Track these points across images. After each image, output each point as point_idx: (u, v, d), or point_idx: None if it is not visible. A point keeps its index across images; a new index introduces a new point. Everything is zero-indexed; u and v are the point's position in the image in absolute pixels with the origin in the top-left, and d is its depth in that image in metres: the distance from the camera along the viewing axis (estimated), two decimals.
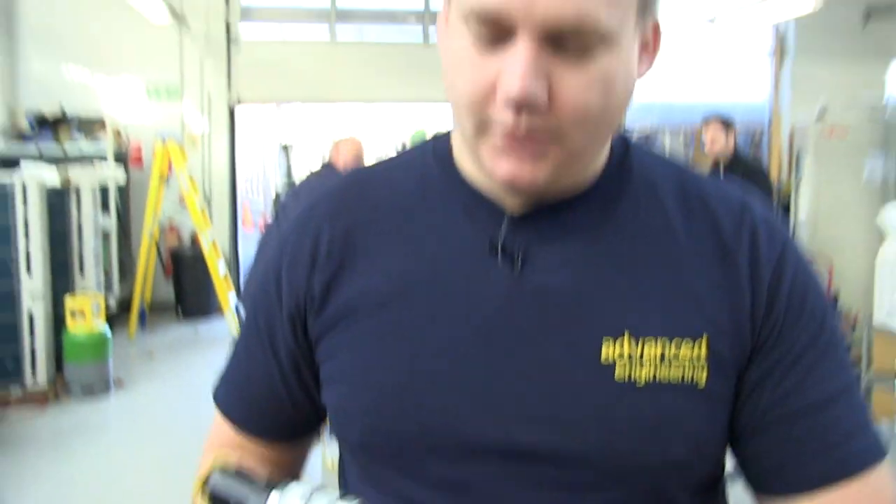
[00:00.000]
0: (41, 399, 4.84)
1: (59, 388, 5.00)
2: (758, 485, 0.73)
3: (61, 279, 5.26)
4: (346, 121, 9.22)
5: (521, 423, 0.68)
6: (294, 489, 0.63)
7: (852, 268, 5.04)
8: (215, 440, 0.88)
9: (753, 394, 0.70)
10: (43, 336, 4.87)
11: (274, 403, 0.82)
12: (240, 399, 0.85)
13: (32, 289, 4.80)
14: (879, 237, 4.00)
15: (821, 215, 5.30)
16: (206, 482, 0.66)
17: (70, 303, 5.00)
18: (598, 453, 0.68)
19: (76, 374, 4.98)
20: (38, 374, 4.88)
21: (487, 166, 0.68)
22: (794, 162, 5.71)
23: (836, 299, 4.94)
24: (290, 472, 0.88)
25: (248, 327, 0.84)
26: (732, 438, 0.72)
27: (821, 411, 0.69)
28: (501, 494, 0.69)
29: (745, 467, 0.73)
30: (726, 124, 4.75)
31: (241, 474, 0.67)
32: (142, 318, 6.73)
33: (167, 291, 7.29)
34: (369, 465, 0.76)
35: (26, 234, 4.79)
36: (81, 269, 5.62)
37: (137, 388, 5.30)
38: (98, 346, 5.04)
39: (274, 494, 0.63)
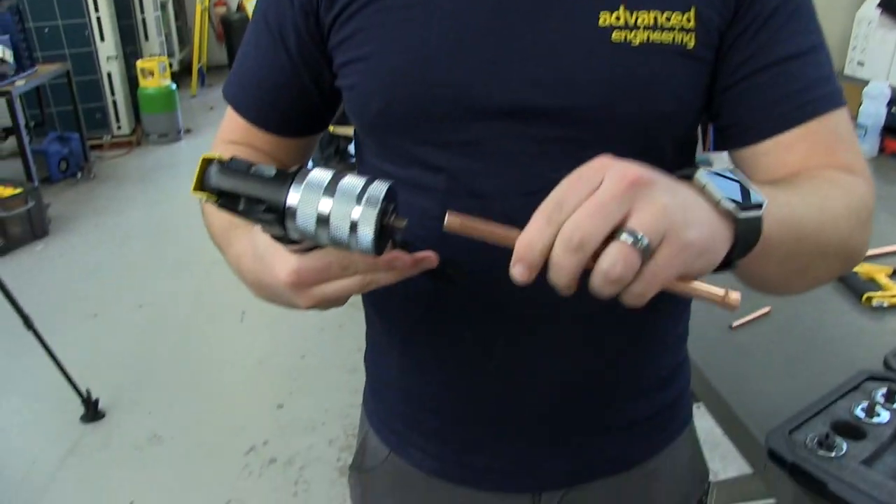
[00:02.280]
0: (127, 144, 6.08)
1: (140, 135, 6.21)
2: (731, 140, 0.76)
3: (129, 45, 6.26)
4: None
5: (526, 85, 0.70)
6: (314, 179, 0.53)
7: None
8: (226, 136, 0.87)
9: (730, 52, 0.72)
10: (121, 92, 5.96)
11: (284, 96, 0.82)
12: (251, 94, 0.84)
13: (107, 51, 5.81)
14: None
15: None
16: (204, 177, 0.54)
17: (140, 64, 6.07)
18: (596, 109, 0.70)
19: (152, 124, 6.18)
20: (122, 123, 6.06)
21: None
22: None
23: None
24: (297, 163, 0.88)
25: (256, 26, 0.82)
26: (711, 102, 0.75)
27: (787, 64, 0.71)
28: (508, 150, 0.72)
29: (721, 127, 0.76)
30: None
31: (244, 165, 0.54)
32: (201, 76, 7.79)
33: (220, 54, 8.33)
34: (386, 138, 0.77)
35: (95, 6, 5.67)
36: (146, 35, 6.62)
37: (202, 133, 6.43)
38: (167, 100, 6.16)
39: (293, 189, 0.53)
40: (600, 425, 0.85)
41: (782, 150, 0.73)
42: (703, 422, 1.19)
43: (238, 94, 0.86)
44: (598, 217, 0.48)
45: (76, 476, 2.60)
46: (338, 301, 0.64)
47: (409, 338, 0.85)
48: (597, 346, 0.80)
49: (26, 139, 4.67)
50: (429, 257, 0.63)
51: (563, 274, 0.50)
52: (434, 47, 0.71)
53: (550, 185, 0.51)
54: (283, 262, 0.61)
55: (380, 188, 0.54)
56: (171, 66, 6.56)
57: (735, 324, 1.23)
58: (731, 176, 0.57)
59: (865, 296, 1.29)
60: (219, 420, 2.87)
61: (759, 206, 0.56)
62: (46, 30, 5.62)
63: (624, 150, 0.61)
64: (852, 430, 0.89)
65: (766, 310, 1.26)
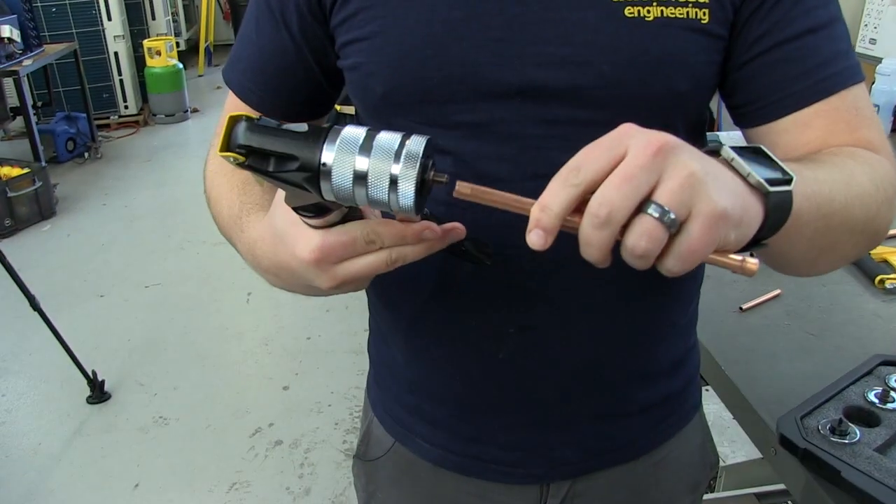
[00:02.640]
0: (133, 124, 6.09)
1: (147, 114, 6.21)
2: (746, 118, 0.74)
3: (136, 24, 6.25)
4: None
5: (537, 64, 0.67)
6: (349, 136, 0.50)
7: None
8: None
9: (745, 28, 0.69)
10: (128, 71, 5.97)
11: (288, 79, 0.80)
12: (253, 79, 0.81)
13: (114, 31, 5.81)
14: None
15: None
16: (231, 136, 0.50)
17: (147, 43, 6.06)
18: (610, 87, 0.67)
19: (159, 103, 6.18)
20: (129, 103, 6.06)
21: None
22: None
23: None
24: None
25: (256, 8, 0.79)
26: (725, 80, 0.73)
27: (804, 39, 0.69)
28: (517, 132, 0.69)
29: (735, 106, 0.74)
30: None
31: (274, 122, 0.51)
32: (208, 56, 7.77)
33: (227, 33, 8.33)
34: (390, 119, 0.74)
35: None
36: (153, 14, 6.60)
37: (209, 113, 6.43)
38: (174, 79, 6.16)
39: (327, 146, 0.50)
40: (610, 413, 0.83)
41: (800, 127, 0.70)
42: (712, 405, 1.17)
43: (241, 80, 0.82)
44: (625, 188, 0.46)
45: (82, 457, 2.60)
46: (361, 281, 0.61)
47: (415, 325, 0.82)
48: (607, 332, 0.78)
49: (33, 119, 4.67)
50: (457, 228, 0.61)
51: (593, 250, 0.48)
52: (440, 25, 0.68)
53: (561, 168, 0.49)
54: (305, 240, 0.58)
55: (418, 143, 0.51)
56: (177, 45, 6.56)
57: (745, 306, 1.20)
58: (758, 151, 0.55)
59: (878, 278, 1.26)
60: (224, 402, 2.87)
61: (789, 181, 0.53)
62: (54, 9, 5.61)
63: None
64: (866, 417, 0.86)
65: (776, 292, 1.23)
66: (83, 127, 5.46)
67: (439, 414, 0.85)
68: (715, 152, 0.54)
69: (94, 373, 2.83)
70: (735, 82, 0.73)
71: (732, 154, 0.53)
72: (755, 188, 0.52)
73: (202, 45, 7.64)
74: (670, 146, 0.47)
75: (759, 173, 0.52)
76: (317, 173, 0.50)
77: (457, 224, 0.61)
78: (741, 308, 1.20)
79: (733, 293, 1.24)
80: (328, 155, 0.50)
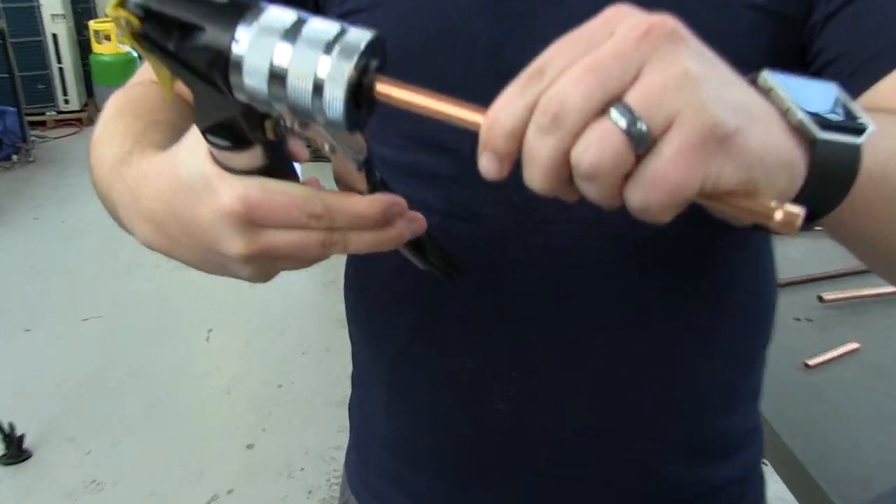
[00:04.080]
0: (75, 122, 6.14)
1: (92, 111, 6.24)
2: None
3: (81, 2, 6.30)
4: None
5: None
6: (272, 16, 0.46)
7: None
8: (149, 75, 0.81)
9: None
10: (70, 59, 6.01)
11: None
12: None
13: (52, 9, 5.84)
14: None
15: None
16: None
17: (94, 25, 6.09)
18: None
19: (107, 97, 6.22)
20: (70, 97, 6.11)
21: None
22: None
23: None
24: None
25: None
26: (806, 56, 0.71)
27: None
28: None
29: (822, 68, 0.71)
30: None
31: None
32: None
33: None
34: (386, 107, 0.82)
35: None
36: None
37: None
38: (126, 69, 6.13)
39: (242, 27, 0.46)
40: (640, 498, 0.80)
41: None
42: (770, 484, 1.14)
43: None
44: (587, 81, 0.38)
45: None
46: (280, 263, 0.54)
47: (399, 363, 0.82)
48: (637, 386, 0.75)
49: None
50: (419, 219, 0.55)
51: (535, 167, 0.40)
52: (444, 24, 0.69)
53: None
54: (228, 187, 0.51)
55: (360, 35, 0.45)
56: None
57: (812, 362, 1.18)
58: (825, 88, 0.45)
59: None
60: (174, 462, 2.83)
61: (860, 130, 0.44)
62: None
63: None
64: None
65: (853, 346, 1.21)
66: (12, 124, 5.51)
67: (423, 484, 0.85)
68: (754, 81, 0.45)
69: (10, 426, 2.80)
70: (818, 53, 0.67)
71: (772, 82, 0.44)
72: (798, 129, 0.43)
73: None
74: (665, 31, 0.39)
75: (809, 109, 0.43)
76: (226, 57, 0.46)
77: (417, 214, 0.55)
78: (807, 364, 1.18)
79: (797, 344, 1.22)
80: (243, 34, 0.45)
